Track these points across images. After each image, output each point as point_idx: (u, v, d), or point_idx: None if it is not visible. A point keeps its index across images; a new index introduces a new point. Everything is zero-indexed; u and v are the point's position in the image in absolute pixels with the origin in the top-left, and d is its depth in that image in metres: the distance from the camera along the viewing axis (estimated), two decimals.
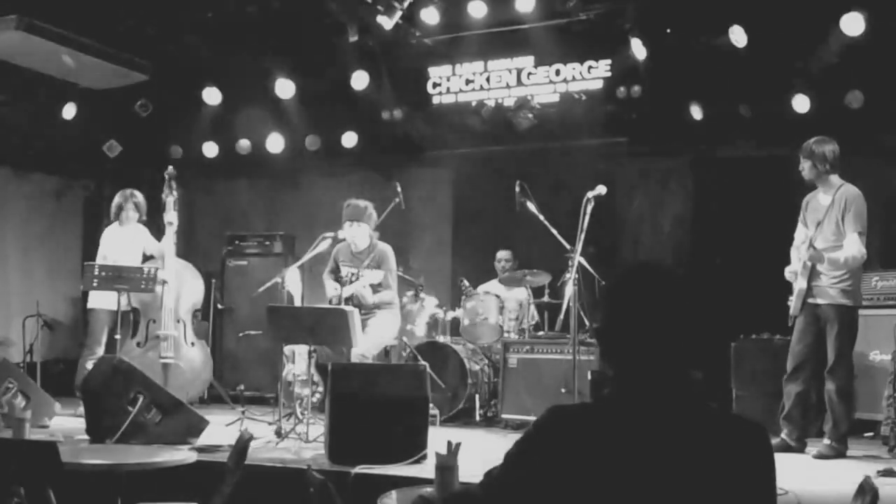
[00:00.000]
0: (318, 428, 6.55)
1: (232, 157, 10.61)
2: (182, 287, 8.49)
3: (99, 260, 8.39)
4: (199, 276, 8.76)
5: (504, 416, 7.93)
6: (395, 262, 7.84)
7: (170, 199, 8.54)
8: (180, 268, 8.58)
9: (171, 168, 8.70)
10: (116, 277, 7.88)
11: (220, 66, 9.84)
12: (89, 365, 7.88)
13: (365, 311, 7.47)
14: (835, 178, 6.43)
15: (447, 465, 3.36)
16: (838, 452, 6.28)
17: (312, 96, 10.03)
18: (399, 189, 8.30)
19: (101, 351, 8.23)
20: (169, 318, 8.29)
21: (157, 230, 8.68)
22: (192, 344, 8.45)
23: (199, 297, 8.74)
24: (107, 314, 8.33)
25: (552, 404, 2.22)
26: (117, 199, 8.69)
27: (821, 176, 6.43)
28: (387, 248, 7.74)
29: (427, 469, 5.15)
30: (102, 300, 8.32)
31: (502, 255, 9.29)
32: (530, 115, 9.20)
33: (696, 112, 8.60)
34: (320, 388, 7.53)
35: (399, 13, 8.53)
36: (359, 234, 7.63)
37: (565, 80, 9.20)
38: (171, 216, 8.52)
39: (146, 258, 8.65)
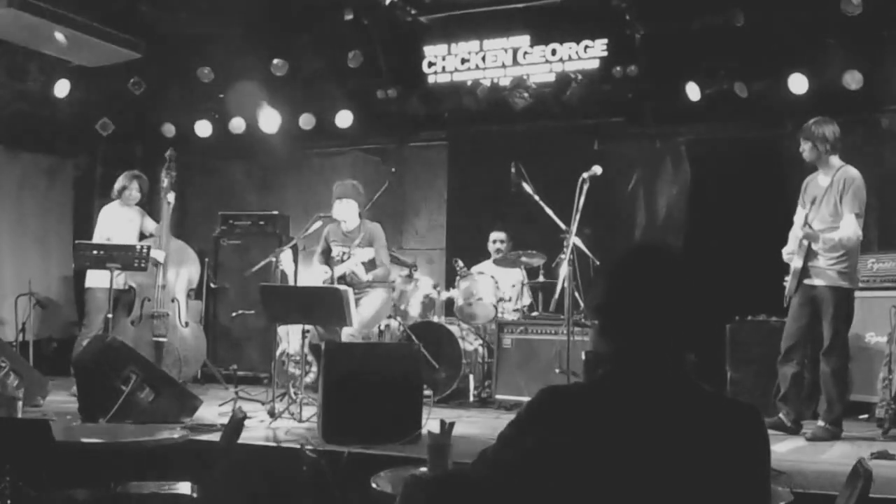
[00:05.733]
0: (311, 408, 6.54)
1: (225, 136, 10.56)
2: (178, 267, 8.46)
3: (98, 238, 8.34)
4: (195, 255, 8.72)
5: (498, 396, 7.94)
6: (386, 240, 7.85)
7: (167, 179, 8.51)
8: (177, 247, 8.55)
9: (171, 150, 8.67)
10: (109, 256, 7.84)
11: (213, 44, 9.79)
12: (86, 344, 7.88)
13: (358, 289, 7.46)
14: (835, 160, 6.40)
15: (440, 444, 3.35)
16: (833, 434, 6.28)
17: (307, 75, 9.98)
18: (393, 169, 8.29)
19: (98, 330, 8.19)
20: (164, 296, 8.26)
21: (151, 210, 8.65)
22: (186, 324, 8.42)
23: (195, 277, 8.70)
24: (105, 293, 8.30)
25: (546, 385, 2.21)
26: (123, 180, 8.64)
27: (821, 157, 6.39)
28: (376, 226, 7.79)
29: (421, 449, 5.15)
30: (100, 280, 8.27)
31: (497, 236, 9.23)
32: (526, 95, 9.14)
33: (693, 92, 8.56)
34: (314, 368, 7.52)
35: None
36: (348, 211, 7.65)
37: (561, 60, 9.14)
38: (170, 197, 8.49)
39: (143, 237, 8.61)
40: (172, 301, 8.35)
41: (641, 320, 2.15)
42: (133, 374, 6.25)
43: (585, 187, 7.20)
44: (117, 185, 8.66)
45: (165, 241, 8.40)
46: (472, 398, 8.18)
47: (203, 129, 10.61)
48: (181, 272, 8.48)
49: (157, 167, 8.74)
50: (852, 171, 6.35)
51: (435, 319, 8.49)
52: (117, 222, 8.56)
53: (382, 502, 3.37)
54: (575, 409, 2.14)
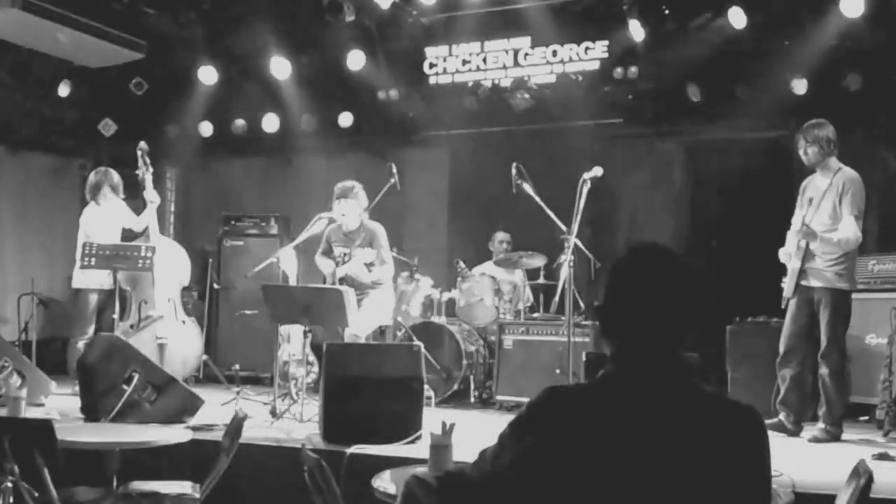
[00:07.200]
0: (312, 408, 6.55)
1: (227, 137, 10.57)
2: (169, 265, 8.41)
3: (81, 240, 8.28)
4: (184, 253, 8.65)
5: (499, 397, 7.95)
6: (387, 240, 7.85)
7: (147, 175, 8.42)
8: (166, 246, 8.48)
9: (142, 143, 8.50)
10: (114, 256, 7.82)
11: (215, 45, 9.80)
12: (80, 346, 7.86)
13: (359, 290, 7.47)
14: (833, 161, 6.41)
15: (441, 444, 3.37)
16: (833, 436, 6.28)
17: (308, 76, 9.99)
18: (394, 170, 8.29)
19: (91, 331, 8.18)
20: (160, 297, 8.24)
21: (140, 208, 8.60)
22: (183, 322, 8.41)
23: (187, 275, 8.64)
24: (94, 294, 8.29)
25: (547, 385, 2.22)
26: (93, 179, 8.53)
27: (825, 159, 6.41)
28: (377, 226, 7.77)
29: (422, 449, 5.16)
30: (88, 280, 8.23)
31: (502, 237, 9.24)
32: (527, 96, 9.16)
33: (694, 93, 8.57)
34: (315, 369, 7.53)
35: None
36: (348, 211, 7.64)
37: (562, 61, 9.15)
38: (151, 194, 8.39)
39: (125, 233, 8.56)
40: (168, 301, 8.33)
41: (642, 321, 2.16)
42: (135, 373, 6.27)
43: (586, 188, 7.20)
44: (90, 186, 8.53)
45: (154, 239, 8.32)
46: (472, 399, 8.19)
47: (205, 129, 10.63)
48: (173, 271, 8.43)
49: (160, 166, 8.72)
50: (852, 173, 6.35)
51: (436, 320, 8.49)
52: (98, 222, 8.44)
53: (384, 503, 3.39)
54: (575, 410, 2.14)
